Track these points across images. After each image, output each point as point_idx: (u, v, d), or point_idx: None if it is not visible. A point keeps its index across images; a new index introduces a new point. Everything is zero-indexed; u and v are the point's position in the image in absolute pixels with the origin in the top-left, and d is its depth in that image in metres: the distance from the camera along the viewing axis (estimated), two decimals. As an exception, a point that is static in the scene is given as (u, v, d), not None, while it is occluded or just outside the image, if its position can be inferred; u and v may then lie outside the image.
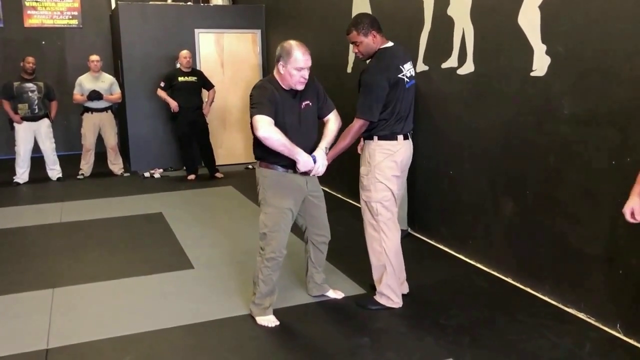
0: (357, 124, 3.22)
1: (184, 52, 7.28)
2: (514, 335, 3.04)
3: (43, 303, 3.54)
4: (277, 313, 3.34)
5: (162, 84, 7.31)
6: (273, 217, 3.14)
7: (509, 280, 3.78)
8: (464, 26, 4.03)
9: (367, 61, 3.33)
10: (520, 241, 3.69)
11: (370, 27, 3.21)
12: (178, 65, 7.37)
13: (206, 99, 7.50)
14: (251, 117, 3.00)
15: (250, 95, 3.08)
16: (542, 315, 3.28)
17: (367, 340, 3.02)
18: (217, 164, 7.67)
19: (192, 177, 7.47)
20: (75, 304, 3.52)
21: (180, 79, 7.26)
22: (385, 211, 3.29)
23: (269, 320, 3.20)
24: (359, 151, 5.02)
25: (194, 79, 7.33)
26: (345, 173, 6.26)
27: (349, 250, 4.48)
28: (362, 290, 3.68)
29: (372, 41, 3.23)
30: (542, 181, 3.47)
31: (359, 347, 2.95)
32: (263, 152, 3.09)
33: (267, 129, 2.94)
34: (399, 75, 3.21)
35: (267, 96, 2.99)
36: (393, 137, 3.26)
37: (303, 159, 3.05)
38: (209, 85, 7.47)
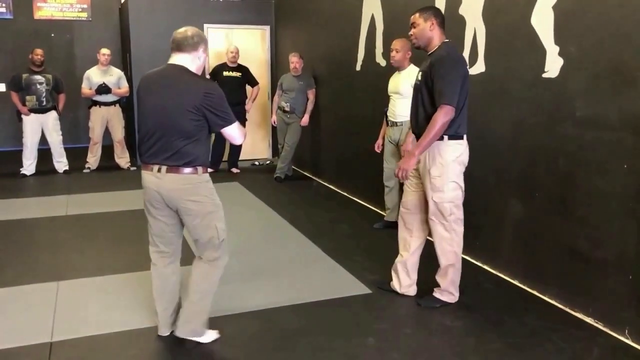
0: (443, 111, 3.08)
1: (231, 47, 7.36)
2: (521, 339, 3.01)
3: (48, 296, 3.53)
4: (281, 312, 3.32)
5: (207, 78, 7.34)
6: (224, 218, 2.91)
7: (516, 283, 3.75)
8: (475, 26, 4.00)
9: (429, 54, 3.30)
10: (529, 244, 3.65)
11: (433, 16, 3.25)
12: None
13: (250, 95, 7.55)
14: (228, 125, 2.75)
15: (217, 103, 2.70)
16: (549, 319, 3.25)
17: (372, 340, 3.00)
18: (223, 159, 7.69)
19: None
20: (80, 297, 3.51)
21: (225, 73, 7.34)
22: (457, 210, 3.31)
23: (213, 334, 3.00)
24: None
25: (238, 74, 7.39)
26: (351, 172, 6.25)
27: (355, 249, 4.46)
28: (368, 290, 3.66)
29: (428, 28, 3.25)
30: (552, 184, 3.44)
31: (363, 347, 2.93)
32: (204, 155, 2.80)
33: (243, 133, 2.88)
34: (467, 73, 3.24)
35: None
36: (460, 137, 3.27)
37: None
38: (253, 82, 7.54)
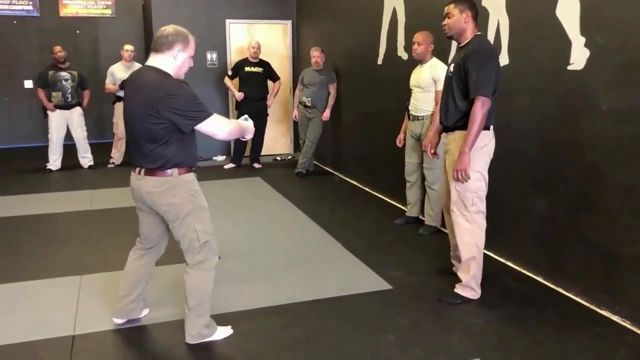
0: (480, 102, 3.12)
1: (253, 43, 7.38)
2: (543, 336, 2.95)
3: (71, 289, 3.58)
4: (301, 308, 3.31)
5: (230, 73, 7.53)
6: (208, 220, 2.85)
7: (540, 279, 3.68)
8: (498, 17, 3.92)
9: (461, 46, 3.32)
10: (553, 240, 3.58)
11: (468, 8, 3.27)
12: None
13: (271, 90, 7.58)
14: (199, 122, 2.65)
15: (180, 103, 2.60)
16: (573, 316, 3.18)
17: (392, 337, 2.97)
18: (245, 154, 7.71)
19: (229, 166, 7.55)
20: (103, 291, 3.54)
21: (247, 69, 7.38)
22: (479, 202, 3.30)
23: (226, 330, 3.01)
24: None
25: (260, 69, 7.43)
26: (373, 166, 6.21)
27: (376, 245, 4.43)
28: (389, 285, 3.63)
29: (463, 20, 3.26)
30: (577, 178, 3.36)
31: (383, 343, 2.90)
32: (183, 155, 2.72)
33: (226, 127, 2.76)
34: (499, 65, 3.25)
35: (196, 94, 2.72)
36: (487, 128, 3.27)
37: (250, 128, 2.93)
38: (274, 77, 7.56)
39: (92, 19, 9.54)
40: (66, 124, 7.32)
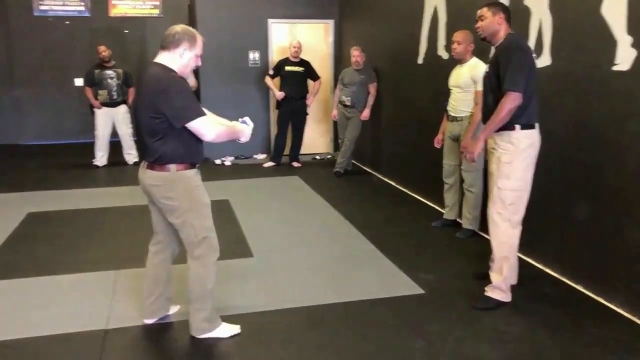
0: (510, 97, 3.08)
1: (294, 42, 7.42)
2: (581, 348, 2.84)
3: (106, 284, 3.66)
4: (329, 309, 3.29)
5: (271, 72, 7.60)
6: (208, 216, 2.89)
7: (580, 288, 3.55)
8: (541, 17, 3.79)
9: (495, 47, 3.31)
10: (594, 247, 3.44)
11: (501, 11, 3.29)
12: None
13: (311, 89, 7.61)
14: (188, 121, 2.67)
15: (174, 98, 2.64)
16: (614, 328, 3.05)
17: (422, 343, 2.91)
18: (284, 153, 7.74)
19: (269, 164, 7.60)
20: (136, 286, 3.60)
21: (288, 68, 7.43)
22: (519, 201, 3.26)
23: (232, 328, 3.00)
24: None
25: (300, 69, 7.46)
26: (411, 167, 6.13)
27: (410, 248, 4.37)
28: (421, 290, 3.56)
29: (496, 22, 3.28)
30: (621, 183, 3.22)
31: (411, 349, 2.85)
32: (182, 151, 2.74)
33: (214, 130, 2.73)
34: (534, 61, 3.21)
35: (192, 94, 2.78)
36: (532, 126, 3.22)
37: (246, 132, 2.90)
38: (314, 76, 7.58)
39: (139, 19, 9.76)
40: (112, 121, 7.51)
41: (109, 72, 7.36)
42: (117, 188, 6.38)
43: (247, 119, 2.97)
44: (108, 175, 7.20)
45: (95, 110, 7.43)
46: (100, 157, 7.63)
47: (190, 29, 2.81)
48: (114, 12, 9.70)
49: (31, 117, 9.71)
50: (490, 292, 3.35)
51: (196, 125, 2.68)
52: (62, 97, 9.72)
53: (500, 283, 3.32)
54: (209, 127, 2.72)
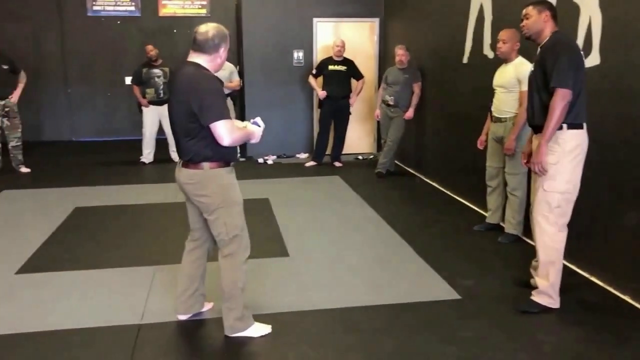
0: (559, 94, 3.00)
1: (337, 41, 7.40)
2: (624, 362, 2.70)
3: (144, 279, 3.72)
4: (362, 312, 3.25)
5: (314, 71, 7.61)
6: (240, 214, 2.90)
7: (627, 298, 3.38)
8: (590, 14, 3.64)
9: (541, 45, 3.22)
10: (643, 256, 3.28)
11: (547, 9, 3.21)
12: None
13: (354, 89, 7.57)
14: (211, 122, 2.67)
15: (205, 97, 2.67)
16: (661, 342, 2.89)
17: (454, 349, 2.83)
18: (326, 153, 7.71)
19: (311, 164, 7.59)
20: (174, 283, 3.63)
21: (331, 67, 7.42)
22: (565, 204, 3.16)
23: (264, 327, 3.01)
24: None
25: (344, 68, 7.44)
26: (455, 169, 6.00)
27: (450, 251, 4.27)
28: (458, 295, 3.47)
29: (542, 20, 3.19)
30: (673, 190, 3.05)
31: (443, 355, 2.78)
32: (215, 150, 2.76)
33: (232, 135, 2.71)
34: (582, 59, 3.13)
35: (223, 95, 2.80)
36: (580, 126, 3.13)
37: (256, 133, 2.91)
38: (358, 76, 7.54)
39: (188, 19, 9.92)
40: (159, 119, 7.65)
41: (156, 71, 7.52)
42: (162, 185, 6.49)
43: (258, 119, 2.97)
44: (154, 172, 7.35)
45: (143, 108, 7.60)
46: (147, 154, 7.80)
47: (222, 27, 2.83)
48: (164, 11, 9.90)
49: (84, 115, 10.02)
50: (536, 297, 3.25)
51: (217, 127, 2.68)
52: (113, 95, 9.99)
53: (547, 288, 3.21)
54: (228, 131, 2.70)
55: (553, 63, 3.03)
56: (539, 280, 3.26)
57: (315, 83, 7.56)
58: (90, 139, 10.01)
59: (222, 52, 2.81)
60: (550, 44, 3.13)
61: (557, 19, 3.22)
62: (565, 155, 3.09)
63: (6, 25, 9.30)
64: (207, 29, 2.78)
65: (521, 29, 3.33)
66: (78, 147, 9.37)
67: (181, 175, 2.87)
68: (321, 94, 7.44)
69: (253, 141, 2.93)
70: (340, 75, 7.40)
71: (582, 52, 3.16)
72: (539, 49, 3.25)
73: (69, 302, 3.40)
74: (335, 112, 7.48)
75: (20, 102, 7.08)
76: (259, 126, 2.94)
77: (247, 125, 2.92)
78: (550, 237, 3.18)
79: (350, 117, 7.68)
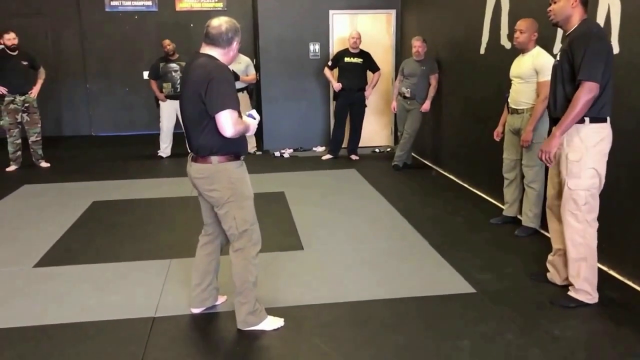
0: (586, 88, 2.92)
1: (353, 33, 7.36)
2: (642, 358, 2.65)
3: (159, 272, 3.75)
4: (377, 305, 3.23)
5: (330, 63, 7.58)
6: (251, 209, 2.90)
7: (646, 292, 3.32)
8: (609, 2, 3.55)
9: (568, 34, 3.11)
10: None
11: None
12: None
13: (370, 81, 7.53)
14: (218, 110, 2.65)
15: (215, 85, 2.65)
16: (681, 338, 2.83)
17: (467, 343, 2.80)
18: (343, 146, 7.68)
19: (327, 157, 7.58)
20: (188, 276, 3.64)
21: (347, 59, 7.38)
22: (593, 200, 3.10)
23: (277, 321, 3.00)
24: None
25: (359, 60, 7.39)
26: (472, 161, 5.94)
27: (466, 245, 4.23)
28: (472, 289, 3.43)
29: (570, 5, 3.04)
30: (694, 182, 2.97)
31: (456, 349, 2.75)
32: (223, 142, 2.75)
33: (235, 127, 2.69)
34: (612, 49, 3.04)
35: (234, 86, 2.79)
36: (604, 120, 3.05)
37: (252, 124, 2.90)
38: (374, 68, 7.48)
39: (204, 13, 9.93)
40: (176, 113, 7.65)
41: (173, 65, 7.55)
42: (178, 179, 6.51)
43: (253, 112, 2.97)
44: (171, 166, 7.39)
45: (160, 102, 7.64)
46: (165, 149, 7.85)
47: (233, 21, 2.81)
48: (180, 6, 9.92)
49: (102, 109, 10.11)
50: (573, 294, 3.21)
51: (221, 117, 2.66)
52: (131, 89, 10.06)
53: (582, 284, 3.16)
54: (232, 123, 2.67)
55: (582, 54, 2.91)
56: (572, 278, 3.20)
57: (331, 75, 7.52)
58: (109, 133, 10.11)
59: (235, 45, 2.81)
60: (579, 33, 3.00)
61: (587, 5, 3.09)
62: (588, 150, 3.02)
63: (25, 21, 9.40)
64: (220, 22, 2.77)
65: (547, 14, 3.18)
66: (97, 142, 9.47)
67: (191, 170, 2.88)
68: (336, 86, 7.40)
69: (249, 133, 2.92)
70: (356, 68, 7.35)
71: (611, 44, 3.06)
72: (564, 37, 3.14)
73: (84, 295, 3.43)
74: (351, 105, 7.44)
75: (39, 97, 7.16)
76: (254, 119, 2.94)
77: (245, 119, 2.91)
78: (581, 234, 3.12)
79: (367, 109, 7.63)
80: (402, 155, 6.88)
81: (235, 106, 2.69)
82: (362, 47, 7.37)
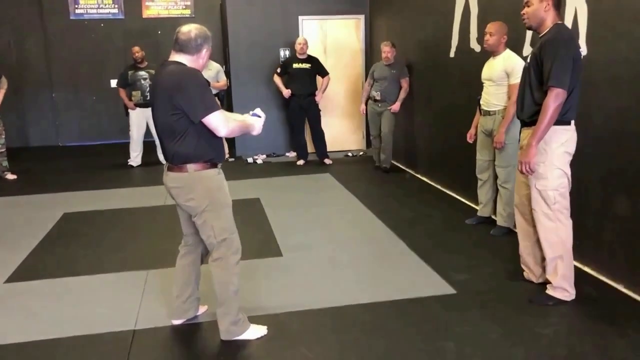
0: (554, 94, 2.96)
1: (300, 39, 7.37)
2: (622, 352, 2.71)
3: (137, 284, 3.68)
4: (357, 309, 3.23)
5: (278, 70, 7.57)
6: (229, 217, 2.87)
7: (621, 287, 3.39)
8: (576, 5, 3.64)
9: (540, 36, 3.15)
10: (636, 244, 3.29)
11: None
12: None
13: (319, 86, 7.54)
14: (207, 114, 2.63)
15: (192, 91, 2.63)
16: (656, 331, 2.90)
17: (452, 344, 2.82)
18: (312, 151, 7.68)
19: (301, 162, 7.58)
20: (167, 287, 3.60)
21: (295, 65, 7.40)
22: (562, 199, 3.16)
23: (260, 329, 2.98)
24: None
25: (307, 65, 7.41)
26: (445, 163, 6.00)
27: (443, 246, 4.27)
28: (453, 290, 3.47)
29: (542, 8, 3.09)
30: (663, 179, 3.06)
31: (441, 351, 2.77)
32: (199, 150, 2.72)
33: (228, 124, 2.70)
34: (580, 54, 3.08)
35: (208, 87, 2.77)
36: (568, 122, 3.11)
37: (256, 125, 2.90)
38: (323, 72, 7.52)
39: (172, 20, 9.84)
40: (146, 121, 7.58)
41: (142, 73, 7.45)
42: (150, 188, 6.43)
43: (258, 110, 2.94)
44: (142, 175, 7.28)
45: (130, 110, 7.53)
46: (135, 157, 7.73)
47: (204, 28, 2.79)
48: (147, 13, 9.81)
49: (69, 119, 9.92)
50: (551, 292, 3.26)
51: (212, 119, 2.65)
52: (98, 98, 9.90)
53: (560, 282, 3.22)
54: (223, 121, 2.68)
55: (552, 60, 2.97)
56: (549, 276, 3.27)
57: (280, 82, 7.52)
58: (77, 143, 9.92)
59: (205, 53, 2.78)
60: (551, 37, 3.05)
61: (560, 8, 3.15)
62: (553, 152, 3.09)
63: (-13, 30, 9.18)
64: (190, 29, 2.74)
65: (521, 17, 3.23)
66: (64, 152, 9.28)
67: (167, 180, 2.83)
68: (286, 92, 7.42)
69: (254, 133, 2.90)
70: (304, 73, 7.38)
71: (580, 48, 3.12)
72: (539, 40, 3.17)
73: (60, 310, 3.35)
74: (304, 110, 7.47)
75: (2, 107, 6.96)
76: (259, 117, 2.90)
77: (246, 117, 2.89)
78: (555, 232, 3.18)
79: (338, 113, 7.64)
80: (386, 157, 6.91)
81: (219, 106, 2.69)
82: (332, 52, 7.41)
